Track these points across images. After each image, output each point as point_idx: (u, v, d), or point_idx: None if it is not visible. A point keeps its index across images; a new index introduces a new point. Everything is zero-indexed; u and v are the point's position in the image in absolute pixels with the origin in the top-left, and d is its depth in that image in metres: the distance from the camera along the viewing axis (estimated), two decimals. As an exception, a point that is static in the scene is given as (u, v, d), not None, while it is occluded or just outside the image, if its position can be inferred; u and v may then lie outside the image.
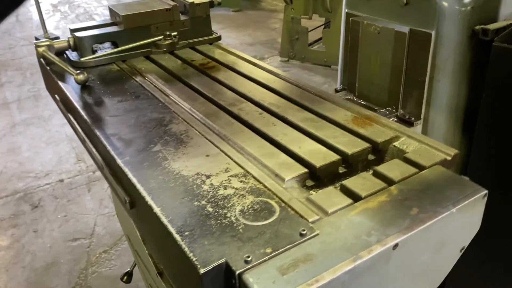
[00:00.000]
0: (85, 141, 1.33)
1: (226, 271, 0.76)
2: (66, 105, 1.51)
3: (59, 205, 3.41)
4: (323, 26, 5.76)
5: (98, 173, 3.76)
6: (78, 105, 1.37)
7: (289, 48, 5.59)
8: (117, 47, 1.75)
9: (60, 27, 7.68)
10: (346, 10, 1.84)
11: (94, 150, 1.26)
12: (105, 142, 1.16)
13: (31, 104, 5.04)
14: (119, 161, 1.07)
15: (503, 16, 1.56)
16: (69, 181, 3.70)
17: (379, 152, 1.10)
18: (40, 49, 1.67)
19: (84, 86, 1.51)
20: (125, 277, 1.93)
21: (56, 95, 1.62)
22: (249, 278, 0.73)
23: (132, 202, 1.05)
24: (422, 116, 1.63)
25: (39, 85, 5.46)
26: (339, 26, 1.94)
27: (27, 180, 3.72)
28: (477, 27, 1.49)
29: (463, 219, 0.89)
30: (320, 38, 5.71)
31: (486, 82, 1.51)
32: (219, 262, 0.76)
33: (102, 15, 8.32)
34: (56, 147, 4.19)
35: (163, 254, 0.96)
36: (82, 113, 1.33)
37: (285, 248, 0.78)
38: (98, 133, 1.21)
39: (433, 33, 1.50)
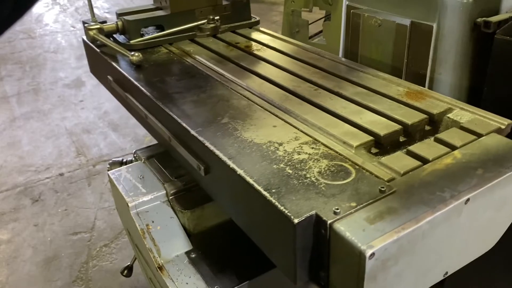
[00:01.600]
0: (146, 117, 1.41)
1: (316, 222, 0.84)
2: (122, 85, 1.59)
3: (59, 199, 3.42)
4: (323, 19, 5.76)
5: (99, 167, 3.78)
6: (138, 83, 1.45)
7: (289, 41, 5.59)
8: (161, 31, 1.82)
9: (59, 20, 7.64)
10: (347, 3, 1.83)
11: (159, 124, 1.34)
12: (174, 116, 1.23)
13: (31, 98, 5.03)
14: (192, 132, 1.15)
15: (505, 9, 1.56)
16: (69, 175, 3.71)
17: (434, 123, 1.17)
18: (91, 32, 1.75)
19: (138, 67, 1.59)
20: (126, 271, 1.93)
21: (108, 76, 1.69)
22: (340, 227, 0.81)
23: (207, 169, 1.13)
24: None
25: (38, 79, 5.46)
26: (340, 19, 1.91)
27: (27, 174, 3.73)
28: (479, 19, 1.47)
29: (522, 180, 0.96)
30: (321, 31, 5.70)
31: (487, 75, 1.50)
32: (310, 213, 0.84)
33: (101, 8, 8.29)
34: (56, 141, 4.20)
35: (245, 214, 1.04)
36: (145, 90, 1.40)
37: (368, 202, 0.85)
38: (165, 108, 1.28)
39: (434, 25, 1.49)
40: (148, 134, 4.55)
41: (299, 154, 1.02)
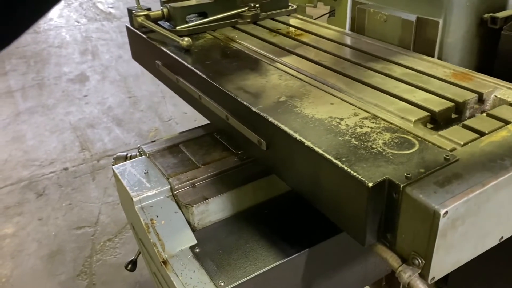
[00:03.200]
0: (200, 98, 1.49)
1: (388, 186, 0.91)
2: (172, 68, 1.66)
3: (63, 194, 3.46)
4: (328, 15, 5.79)
5: (103, 161, 3.83)
6: (192, 66, 1.52)
7: (293, 37, 5.62)
8: (204, 17, 1.89)
9: (63, 15, 7.69)
10: None
11: (215, 104, 1.41)
12: (233, 94, 1.30)
13: (35, 93, 5.08)
14: (254, 109, 1.22)
15: (513, 4, 1.56)
16: (73, 170, 3.75)
17: (482, 102, 1.24)
18: (139, 19, 1.82)
19: (188, 51, 1.66)
20: (130, 266, 1.93)
21: (157, 61, 1.76)
22: (412, 190, 0.88)
23: (269, 143, 1.20)
24: None
25: (43, 74, 5.51)
26: (344, 15, 1.92)
27: (32, 168, 3.77)
28: (486, 15, 1.47)
29: None
30: None
31: (494, 71, 1.47)
32: (384, 177, 0.91)
33: (105, 3, 8.34)
34: (61, 136, 4.24)
35: (313, 185, 1.11)
36: (199, 72, 1.47)
37: (436, 168, 0.92)
38: (222, 88, 1.35)
39: (440, 21, 1.48)
40: (152, 129, 4.59)
41: (361, 128, 1.09)
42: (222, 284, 1.25)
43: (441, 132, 1.06)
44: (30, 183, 3.60)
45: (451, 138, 1.02)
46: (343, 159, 0.97)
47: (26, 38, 6.65)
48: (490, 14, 1.47)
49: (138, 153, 1.76)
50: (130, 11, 1.91)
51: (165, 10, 1.86)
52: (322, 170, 1.02)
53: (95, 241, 3.00)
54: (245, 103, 1.26)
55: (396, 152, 0.99)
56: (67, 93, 5.03)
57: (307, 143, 1.04)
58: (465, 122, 1.09)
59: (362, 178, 0.91)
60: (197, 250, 1.35)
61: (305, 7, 5.41)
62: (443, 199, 0.84)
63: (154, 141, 1.76)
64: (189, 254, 1.34)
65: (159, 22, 1.90)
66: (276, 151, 1.20)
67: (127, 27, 2.01)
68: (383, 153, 0.99)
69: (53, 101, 4.89)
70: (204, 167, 1.54)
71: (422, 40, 1.57)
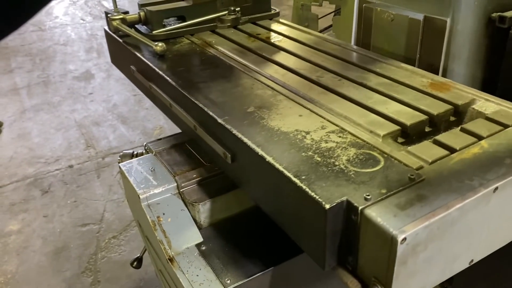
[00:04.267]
0: (171, 106, 1.44)
1: (346, 208, 0.86)
2: (145, 75, 1.61)
3: (68, 191, 3.46)
4: (333, 13, 5.74)
5: (108, 159, 3.82)
6: (163, 73, 1.47)
7: (298, 36, 5.57)
8: (182, 22, 1.84)
9: (69, 13, 7.67)
10: None
11: (184, 113, 1.36)
12: (201, 104, 1.25)
13: (41, 90, 5.07)
14: (219, 120, 1.17)
15: (521, 3, 1.51)
16: (78, 167, 3.74)
17: (459, 114, 1.18)
18: (115, 22, 1.77)
19: (162, 57, 1.61)
20: (135, 263, 1.93)
21: (131, 66, 1.71)
22: (371, 212, 0.82)
23: (234, 156, 1.15)
24: None
25: (48, 71, 5.50)
26: (350, 13, 1.89)
27: (37, 165, 3.77)
28: (494, 14, 1.44)
29: (549, 170, 0.97)
30: (330, 26, 5.69)
31: (502, 70, 1.47)
32: (342, 199, 0.85)
33: (111, 1, 8.32)
34: (66, 133, 4.23)
35: (274, 201, 1.06)
36: (169, 80, 1.42)
37: (399, 189, 0.87)
38: (190, 97, 1.30)
39: (448, 20, 1.46)
40: (157, 127, 4.57)
41: (327, 143, 1.04)
42: (229, 281, 1.23)
43: (410, 148, 1.00)
44: (35, 180, 3.61)
45: (420, 155, 0.97)
46: (303, 177, 0.92)
47: (32, 35, 6.66)
48: (499, 13, 1.44)
49: (144, 151, 1.75)
50: (106, 14, 1.86)
51: (141, 13, 1.81)
52: (283, 188, 0.97)
53: (100, 238, 3.00)
54: (211, 113, 1.20)
55: (358, 170, 0.93)
56: (72, 91, 5.03)
57: (268, 158, 0.99)
58: (437, 137, 1.03)
59: (319, 199, 0.86)
60: (203, 248, 1.35)
61: (310, 6, 5.37)
62: (402, 224, 0.79)
63: (160, 139, 1.74)
64: (195, 252, 1.33)
65: (136, 26, 1.86)
66: (241, 165, 1.15)
67: (105, 30, 1.96)
68: (345, 171, 0.93)
69: (58, 98, 4.89)
70: (210, 165, 1.52)
71: (430, 40, 1.54)
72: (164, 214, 1.40)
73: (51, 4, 8.07)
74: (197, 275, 1.26)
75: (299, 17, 5.48)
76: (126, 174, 1.52)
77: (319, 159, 0.98)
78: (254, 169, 1.07)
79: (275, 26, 1.88)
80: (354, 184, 0.89)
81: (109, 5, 8.02)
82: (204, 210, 1.39)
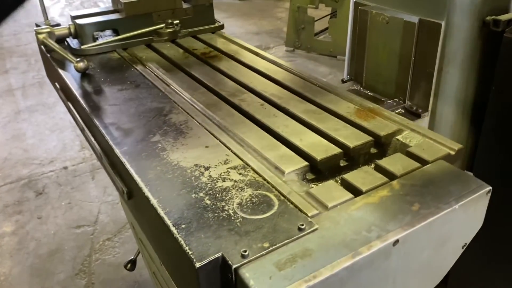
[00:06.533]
0: (84, 130, 1.32)
1: (222, 265, 0.75)
2: (66, 94, 1.49)
3: (63, 192, 3.41)
4: (329, 16, 5.70)
5: None
6: (77, 93, 1.36)
7: (294, 38, 5.54)
8: (118, 35, 1.73)
9: (65, 14, 7.64)
10: (355, 0, 1.80)
11: (92, 139, 1.24)
12: (103, 132, 1.14)
13: (36, 91, 5.02)
14: (117, 151, 1.06)
15: (515, 7, 1.51)
16: (73, 169, 3.70)
17: (381, 145, 1.08)
18: (41, 36, 1.65)
19: (84, 74, 1.50)
20: (129, 265, 1.93)
21: (56, 83, 1.60)
22: (245, 273, 0.71)
23: (130, 193, 1.03)
24: (429, 108, 1.60)
25: (43, 72, 5.36)
26: (346, 16, 1.91)
27: (32, 167, 3.72)
28: (488, 17, 1.46)
29: (465, 215, 0.87)
30: (326, 28, 5.65)
31: (495, 74, 1.48)
32: (215, 256, 0.74)
33: (107, 2, 8.27)
34: (61, 134, 4.18)
35: (160, 246, 0.95)
36: (82, 101, 1.31)
37: (283, 242, 0.76)
38: (96, 122, 1.19)
39: (443, 23, 1.47)
40: None
41: (224, 181, 0.93)
42: None
43: (312, 190, 0.89)
44: (29, 182, 3.55)
45: (320, 199, 0.86)
46: (183, 225, 0.81)
47: (27, 36, 6.56)
48: (493, 16, 1.45)
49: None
50: (36, 27, 1.74)
51: (72, 26, 1.69)
52: (164, 235, 0.85)
53: (94, 240, 2.96)
54: (110, 142, 1.09)
55: (247, 216, 0.82)
56: None
57: (153, 201, 0.88)
58: (345, 176, 0.93)
59: (191, 255, 0.75)
60: None
61: (306, 8, 5.30)
62: (276, 288, 0.68)
63: None
64: None
65: (68, 39, 1.74)
66: (136, 203, 1.03)
67: (38, 44, 1.84)
68: (232, 218, 0.82)
69: (53, 99, 4.79)
70: None
71: (424, 42, 1.54)
72: None
73: (47, 5, 7.97)
74: None
75: (295, 20, 5.42)
76: None
77: (208, 202, 0.87)
78: (145, 210, 0.96)
79: (215, 40, 1.77)
80: (237, 235, 0.78)
81: (103, 6, 7.93)
82: None
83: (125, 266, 1.93)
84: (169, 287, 1.26)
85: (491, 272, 1.73)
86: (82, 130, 1.35)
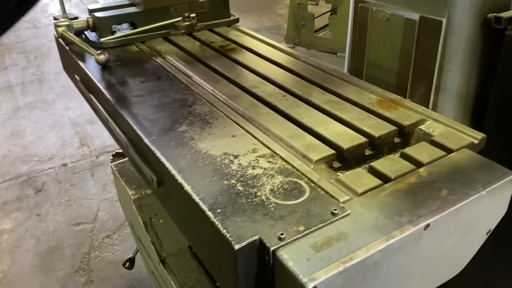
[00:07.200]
0: (107, 121, 1.34)
1: (260, 247, 0.77)
2: (87, 85, 1.51)
3: (62, 190, 3.42)
4: (329, 13, 5.70)
5: (102, 158, 3.76)
6: (100, 85, 1.38)
7: (295, 35, 5.54)
8: (135, 28, 1.75)
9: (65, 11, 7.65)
10: None
11: (117, 129, 1.27)
12: (130, 122, 1.16)
13: (35, 88, 5.02)
14: (146, 140, 1.08)
15: (517, 4, 1.51)
16: (72, 166, 3.70)
17: (405, 135, 1.10)
18: (60, 29, 1.67)
19: (105, 67, 1.52)
20: (128, 263, 1.93)
21: (76, 75, 1.62)
22: (283, 254, 0.74)
23: (159, 181, 1.06)
24: (430, 106, 1.60)
25: (43, 69, 5.44)
26: (346, 13, 1.91)
27: (31, 164, 3.72)
28: (490, 15, 1.44)
29: (491, 201, 0.89)
30: (327, 25, 5.66)
31: (497, 71, 1.47)
32: (253, 238, 0.77)
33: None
34: (60, 131, 4.18)
35: (193, 232, 0.97)
36: (105, 93, 1.33)
37: (318, 226, 0.78)
38: (122, 112, 1.21)
39: (444, 20, 1.46)
40: None
41: (254, 169, 0.95)
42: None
43: (341, 177, 0.92)
44: (29, 179, 3.55)
45: (349, 185, 0.88)
46: (218, 210, 0.83)
47: (26, 33, 6.55)
48: (494, 14, 1.44)
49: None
50: (54, 20, 1.76)
51: (90, 20, 1.71)
52: (199, 220, 0.88)
53: (93, 237, 2.96)
54: (138, 132, 1.11)
55: (280, 202, 0.85)
56: (67, 89, 4.93)
57: (186, 187, 0.90)
58: (373, 164, 0.95)
59: (229, 238, 0.77)
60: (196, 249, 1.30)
61: (306, 5, 5.30)
62: (314, 269, 0.70)
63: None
64: (187, 253, 1.30)
65: (86, 32, 1.76)
66: (166, 191, 1.06)
67: (55, 36, 1.86)
68: (266, 203, 0.85)
69: (53, 96, 4.81)
70: None
71: (425, 40, 1.53)
72: (156, 215, 1.37)
73: (46, 1, 7.96)
74: (189, 277, 1.23)
75: (295, 16, 5.42)
76: (118, 175, 1.48)
77: (241, 188, 0.89)
78: (177, 197, 0.98)
79: (231, 34, 1.79)
80: (272, 219, 0.81)
81: (103, 2, 7.92)
82: None
83: (124, 265, 1.93)
84: (167, 286, 1.29)
85: (493, 272, 1.72)
86: (105, 121, 1.38)
